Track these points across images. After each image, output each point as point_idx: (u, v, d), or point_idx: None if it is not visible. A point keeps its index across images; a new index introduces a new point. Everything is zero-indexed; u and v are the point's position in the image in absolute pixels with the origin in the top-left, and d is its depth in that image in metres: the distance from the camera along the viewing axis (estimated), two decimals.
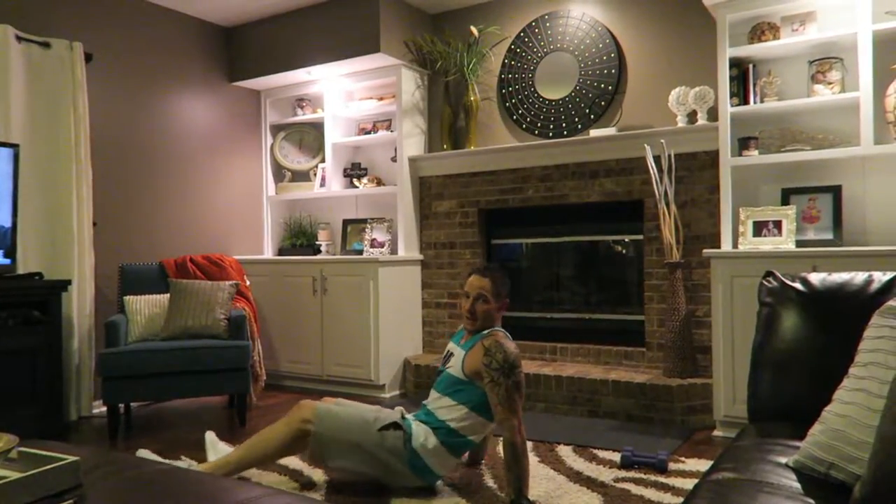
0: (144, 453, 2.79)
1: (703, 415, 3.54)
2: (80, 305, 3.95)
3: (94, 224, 4.08)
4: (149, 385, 3.53)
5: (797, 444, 1.52)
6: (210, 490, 1.33)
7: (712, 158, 3.74)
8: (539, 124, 4.42)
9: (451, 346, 2.76)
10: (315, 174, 5.14)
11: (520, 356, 2.50)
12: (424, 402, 2.73)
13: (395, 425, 2.52)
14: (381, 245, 4.67)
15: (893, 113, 3.16)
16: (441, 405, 2.59)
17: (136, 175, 4.44)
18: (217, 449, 2.82)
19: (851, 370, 1.48)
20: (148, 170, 4.51)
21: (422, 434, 2.53)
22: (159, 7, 4.58)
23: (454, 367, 2.60)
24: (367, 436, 2.48)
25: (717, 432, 3.41)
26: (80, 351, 3.94)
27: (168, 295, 3.91)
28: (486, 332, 2.62)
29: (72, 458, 1.38)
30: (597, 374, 3.84)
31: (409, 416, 2.65)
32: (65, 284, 3.60)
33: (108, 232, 4.25)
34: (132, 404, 4.07)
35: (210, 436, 2.92)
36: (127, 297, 3.89)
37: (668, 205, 3.75)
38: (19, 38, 3.74)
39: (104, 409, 3.73)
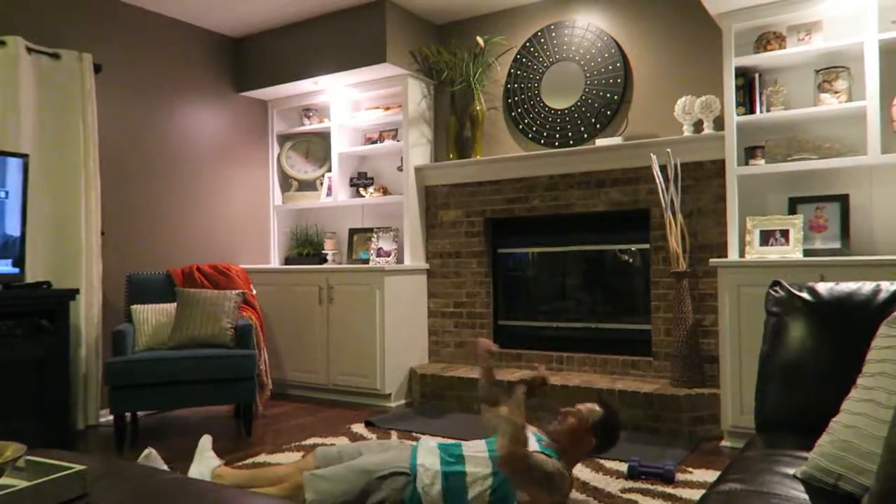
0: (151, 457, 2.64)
1: (710, 425, 3.52)
2: (87, 314, 3.97)
3: (102, 233, 4.10)
4: (155, 394, 3.54)
5: (805, 454, 1.51)
6: (216, 499, 1.33)
7: (718, 167, 3.73)
8: (545, 134, 4.43)
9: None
10: (321, 184, 5.15)
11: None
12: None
13: (396, 473, 2.33)
14: (388, 254, 4.68)
15: None
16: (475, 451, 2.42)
17: (144, 185, 4.47)
18: (203, 457, 2.65)
19: (859, 380, 1.47)
20: (156, 179, 4.54)
21: (428, 478, 2.34)
22: (167, 18, 4.62)
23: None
24: (372, 485, 2.30)
25: (724, 442, 3.39)
26: (88, 360, 3.96)
27: (175, 304, 3.92)
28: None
29: (79, 467, 1.39)
30: (603, 384, 3.82)
31: (420, 459, 2.41)
32: (73, 293, 3.62)
33: (116, 241, 4.27)
34: (139, 413, 4.08)
35: (205, 442, 2.73)
36: (134, 307, 3.91)
37: (674, 214, 3.74)
38: (29, 50, 3.78)
39: (111, 417, 3.74)
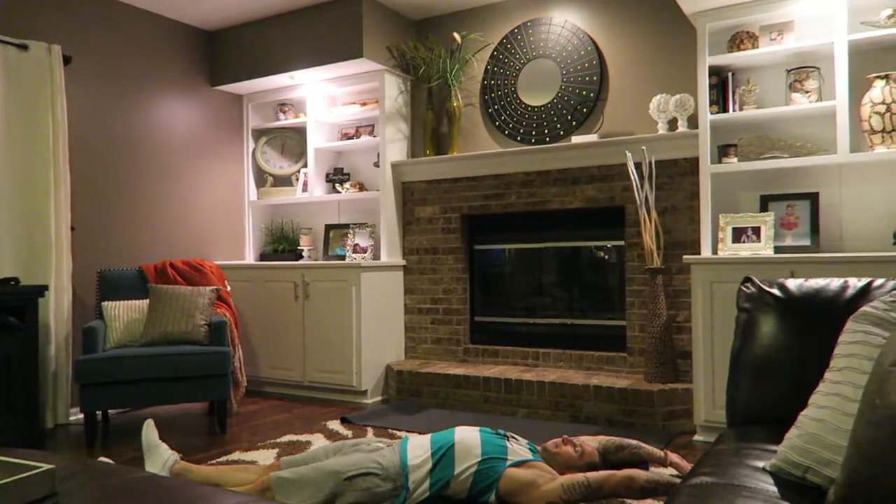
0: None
1: (683, 419, 3.56)
2: (57, 311, 3.90)
3: (73, 228, 4.03)
4: (127, 392, 3.49)
5: (774, 448, 1.54)
6: (188, 498, 1.32)
7: (692, 165, 3.77)
8: (521, 130, 4.44)
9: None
10: (297, 179, 5.11)
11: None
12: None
13: (366, 473, 2.32)
14: (364, 250, 4.66)
15: (869, 122, 3.22)
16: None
17: (116, 179, 4.40)
18: (157, 454, 2.58)
19: (827, 375, 1.49)
20: (128, 174, 4.47)
21: (419, 479, 2.35)
22: (140, 10, 4.55)
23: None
24: (340, 486, 2.28)
25: (697, 437, 3.43)
26: (57, 357, 3.89)
27: (147, 300, 3.87)
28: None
29: (47, 467, 1.36)
30: (578, 380, 3.85)
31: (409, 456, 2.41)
32: (42, 290, 3.55)
33: (87, 236, 4.20)
34: (110, 411, 4.01)
35: (149, 431, 2.64)
36: (105, 303, 3.85)
37: (649, 211, 3.78)
38: None
39: (81, 416, 3.67)
